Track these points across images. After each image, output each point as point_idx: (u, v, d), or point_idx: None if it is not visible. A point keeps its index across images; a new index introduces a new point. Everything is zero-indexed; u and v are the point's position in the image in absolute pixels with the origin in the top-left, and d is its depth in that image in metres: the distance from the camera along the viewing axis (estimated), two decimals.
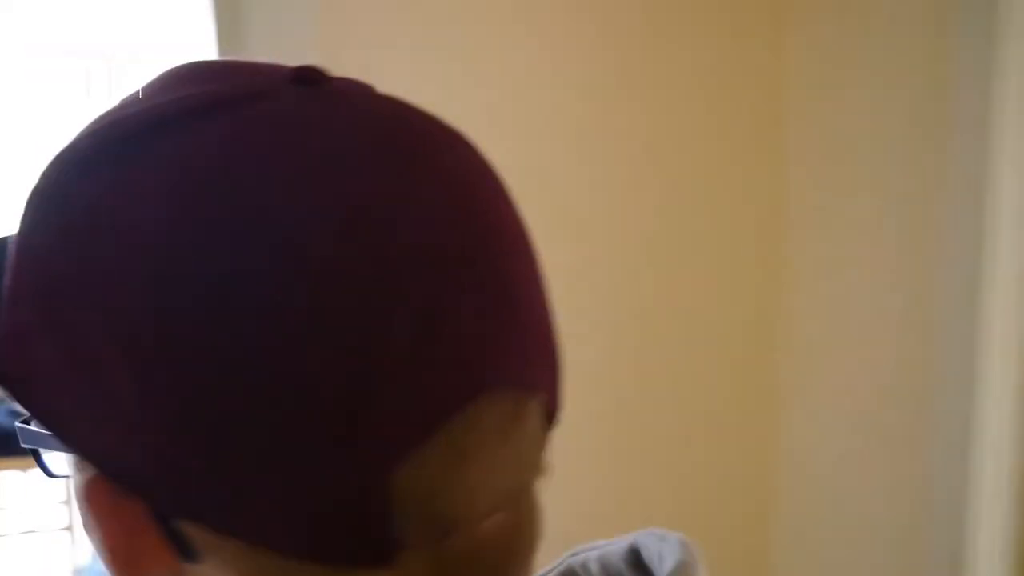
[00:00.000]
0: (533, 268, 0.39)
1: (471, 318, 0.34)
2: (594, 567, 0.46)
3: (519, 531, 0.40)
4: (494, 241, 0.36)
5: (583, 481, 1.65)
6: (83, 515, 0.38)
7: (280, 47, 1.47)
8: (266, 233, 0.32)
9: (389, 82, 0.42)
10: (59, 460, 0.39)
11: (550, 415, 0.40)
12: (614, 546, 0.47)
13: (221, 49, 1.51)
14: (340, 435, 0.33)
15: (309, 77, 0.37)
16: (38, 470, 0.43)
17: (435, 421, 0.34)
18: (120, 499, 0.36)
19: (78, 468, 0.37)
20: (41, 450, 0.39)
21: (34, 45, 4.38)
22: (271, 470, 0.33)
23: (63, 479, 0.41)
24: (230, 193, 0.33)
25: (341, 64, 0.43)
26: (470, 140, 0.39)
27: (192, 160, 0.34)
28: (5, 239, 0.40)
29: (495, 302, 0.35)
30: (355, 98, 0.37)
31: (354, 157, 0.34)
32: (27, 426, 0.38)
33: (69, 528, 3.56)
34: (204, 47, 1.54)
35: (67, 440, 0.36)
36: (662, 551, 0.45)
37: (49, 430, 0.37)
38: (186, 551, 0.36)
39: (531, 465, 0.39)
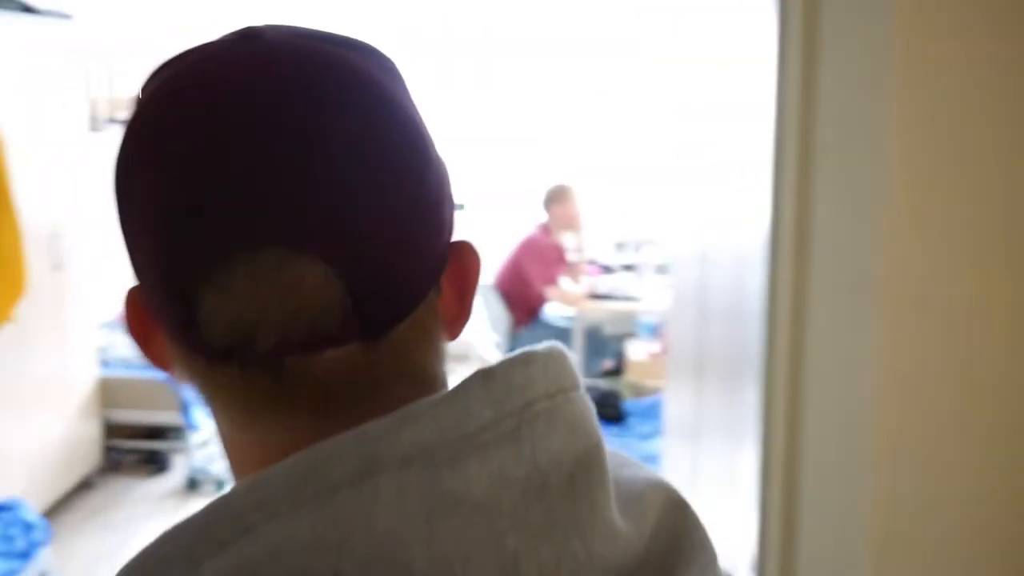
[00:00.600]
0: (341, 164, 0.51)
1: (254, 189, 0.50)
2: None
3: (359, 369, 0.54)
4: (300, 157, 0.51)
5: None
6: (123, 315, 0.59)
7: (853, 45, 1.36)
8: (151, 134, 0.53)
9: None
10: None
11: (344, 276, 0.52)
12: None
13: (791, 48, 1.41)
14: (156, 259, 0.53)
15: (247, 34, 0.56)
16: None
17: (211, 262, 0.51)
18: (137, 298, 0.58)
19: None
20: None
21: None
22: (144, 270, 0.55)
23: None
24: (156, 111, 0.54)
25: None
26: (343, 78, 0.54)
27: (152, 87, 0.56)
28: None
29: (275, 182, 0.50)
30: (265, 47, 0.55)
31: (218, 86, 0.52)
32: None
33: None
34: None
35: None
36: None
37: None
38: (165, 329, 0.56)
39: (307, 311, 0.51)
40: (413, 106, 0.58)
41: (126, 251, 0.56)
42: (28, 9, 4.05)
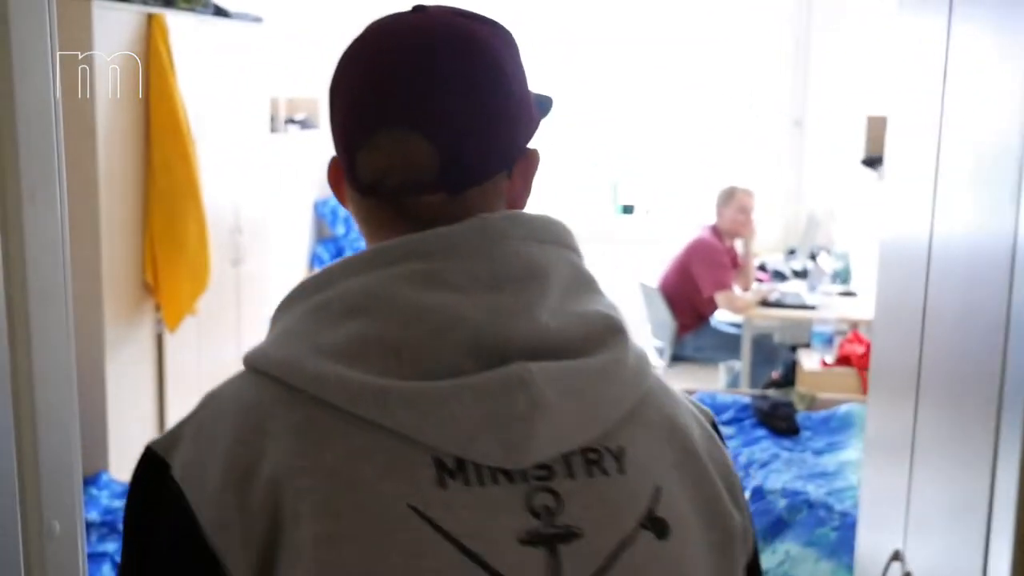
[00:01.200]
0: (465, 98, 0.86)
1: (395, 93, 0.85)
2: None
3: (443, 212, 0.86)
4: (426, 79, 0.85)
5: None
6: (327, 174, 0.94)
7: None
8: (347, 58, 0.90)
9: None
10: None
11: (439, 152, 0.85)
12: None
13: None
14: (341, 130, 0.89)
15: (418, 7, 0.91)
16: None
17: (366, 133, 0.86)
18: (334, 161, 0.92)
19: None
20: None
21: None
22: (336, 139, 0.90)
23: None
24: (353, 46, 0.90)
25: None
26: (480, 42, 0.88)
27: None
28: None
29: (407, 90, 0.85)
30: (425, 15, 0.89)
31: (388, 34, 0.88)
32: None
33: None
34: None
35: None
36: None
37: None
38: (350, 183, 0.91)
39: (415, 169, 0.86)
40: (513, 63, 0.91)
41: (331, 129, 0.91)
42: (221, 12, 4.22)
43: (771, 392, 4.22)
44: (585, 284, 0.88)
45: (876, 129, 3.99)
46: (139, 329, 3.73)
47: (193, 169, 3.67)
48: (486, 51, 0.88)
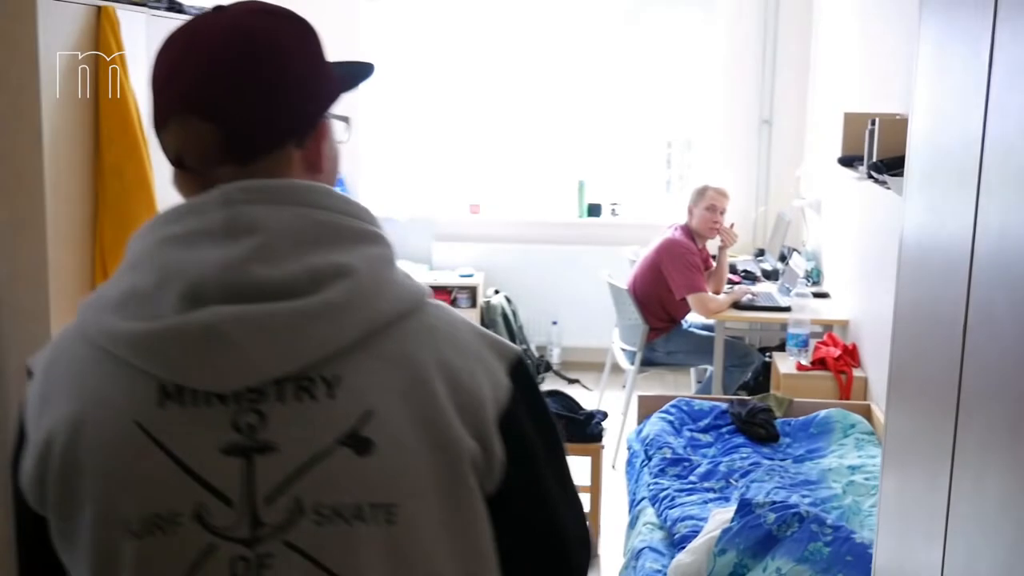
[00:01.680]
0: (248, 78, 1.01)
1: (181, 83, 1.02)
2: None
3: (237, 178, 1.01)
4: (204, 70, 1.01)
5: None
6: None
7: None
8: (155, 55, 1.06)
9: None
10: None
11: (222, 131, 1.02)
12: None
13: None
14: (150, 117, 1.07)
15: (217, 8, 1.06)
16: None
17: (162, 120, 1.04)
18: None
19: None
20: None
21: None
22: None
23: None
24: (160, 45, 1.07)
25: None
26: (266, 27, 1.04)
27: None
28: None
29: (191, 80, 1.01)
30: (219, 15, 1.05)
31: (180, 33, 1.05)
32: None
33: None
34: None
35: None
36: None
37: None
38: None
39: (205, 146, 1.02)
40: (298, 49, 1.05)
41: None
42: (175, 7, 4.03)
43: (753, 398, 4.11)
44: (325, 238, 0.99)
45: (854, 126, 3.90)
46: None
47: (147, 173, 3.47)
48: (264, 40, 1.02)
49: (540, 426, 1.08)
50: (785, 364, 4.51)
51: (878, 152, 3.34)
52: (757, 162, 6.42)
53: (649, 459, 3.62)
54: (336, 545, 0.95)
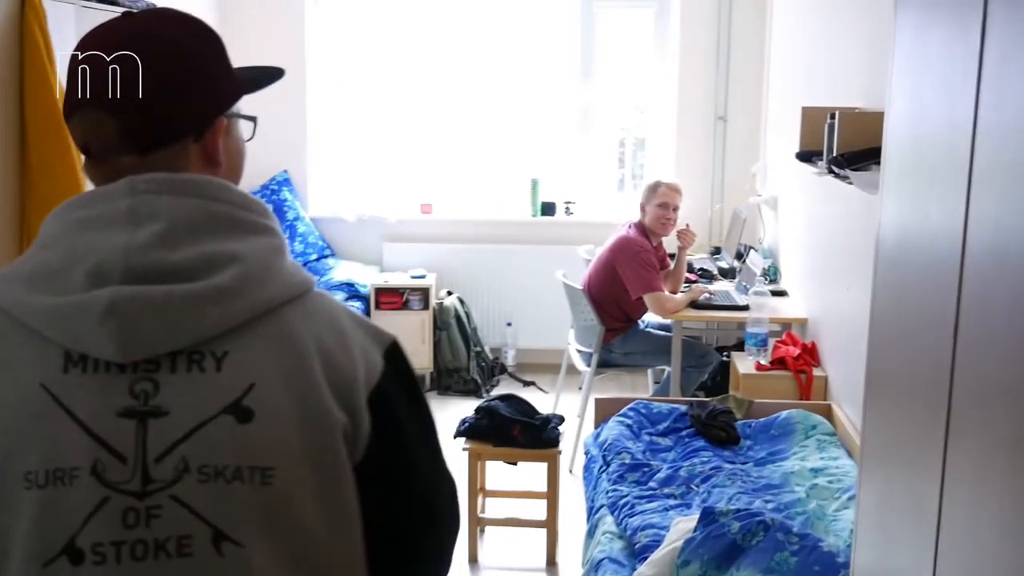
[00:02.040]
0: (147, 69, 1.12)
1: (86, 80, 1.13)
2: None
3: (138, 168, 1.13)
4: (105, 69, 1.12)
5: None
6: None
7: None
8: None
9: None
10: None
11: (121, 124, 1.13)
12: None
13: None
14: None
15: (126, 14, 1.19)
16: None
17: (69, 113, 1.16)
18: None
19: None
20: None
21: None
22: None
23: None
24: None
25: None
26: (167, 32, 1.17)
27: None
28: None
29: (96, 77, 1.12)
30: (127, 20, 1.17)
31: (91, 36, 1.16)
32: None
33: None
34: None
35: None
36: None
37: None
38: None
39: (106, 137, 1.14)
40: (199, 52, 1.18)
41: None
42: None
43: (711, 400, 4.01)
44: (221, 228, 1.11)
45: (812, 121, 3.82)
46: None
47: (77, 172, 3.29)
48: (164, 43, 1.14)
49: (412, 405, 1.20)
50: (744, 364, 4.42)
51: (839, 146, 3.25)
52: (712, 159, 6.34)
53: (607, 465, 3.50)
54: (217, 501, 1.06)
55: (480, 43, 6.49)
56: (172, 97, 1.13)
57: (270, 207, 1.18)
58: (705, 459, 3.52)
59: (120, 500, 1.05)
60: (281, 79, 1.29)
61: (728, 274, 5.53)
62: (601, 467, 3.55)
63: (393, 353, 1.18)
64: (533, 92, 6.54)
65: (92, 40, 1.15)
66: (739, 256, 5.73)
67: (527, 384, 6.27)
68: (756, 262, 5.08)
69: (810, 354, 4.39)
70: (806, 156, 3.78)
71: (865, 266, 3.90)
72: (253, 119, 1.26)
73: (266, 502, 1.07)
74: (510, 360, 6.46)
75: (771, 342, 4.47)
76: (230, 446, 1.06)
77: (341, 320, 1.16)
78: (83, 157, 1.18)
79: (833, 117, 3.34)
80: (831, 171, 3.24)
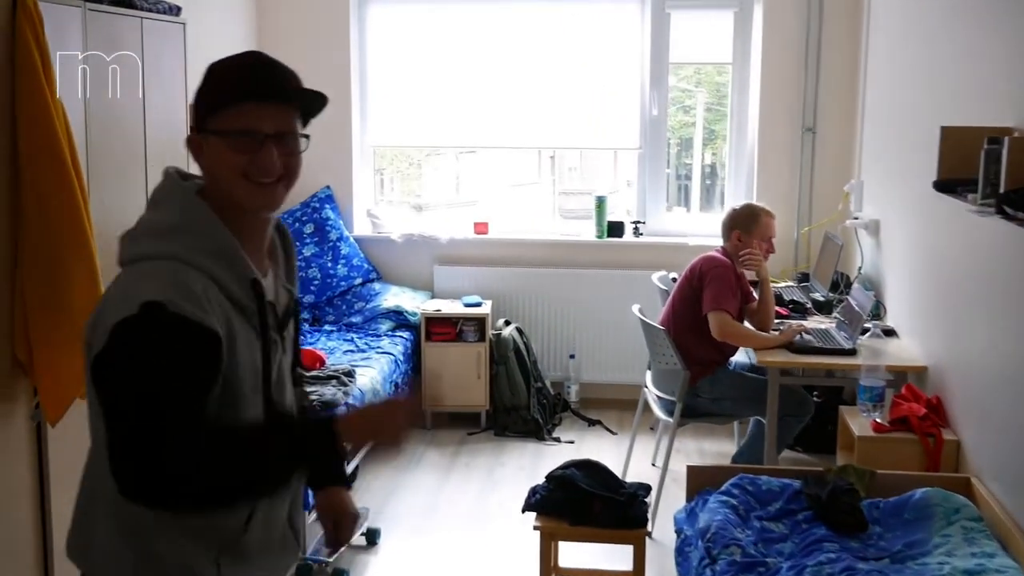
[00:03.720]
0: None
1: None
2: None
3: None
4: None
5: None
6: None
7: None
8: None
9: None
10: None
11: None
12: None
13: None
14: None
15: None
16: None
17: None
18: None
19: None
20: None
21: None
22: None
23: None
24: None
25: None
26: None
27: None
28: None
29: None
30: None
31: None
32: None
33: None
34: None
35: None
36: None
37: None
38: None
39: None
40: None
41: None
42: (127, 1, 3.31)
43: (825, 471, 3.39)
44: (152, 202, 1.67)
45: (958, 144, 3.18)
46: (10, 419, 2.82)
47: (77, 203, 2.75)
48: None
49: (118, 373, 1.49)
50: (857, 423, 3.79)
51: (1007, 180, 2.63)
52: (800, 174, 5.70)
53: (713, 561, 2.90)
54: None
55: (541, 49, 5.90)
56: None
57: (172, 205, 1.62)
58: (833, 554, 2.89)
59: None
60: (325, 107, 1.66)
61: (823, 308, 4.89)
62: (704, 560, 2.94)
63: (120, 328, 1.49)
64: (597, 102, 5.94)
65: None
66: (835, 287, 5.09)
67: (592, 423, 5.68)
68: (860, 297, 4.43)
69: (935, 412, 3.75)
70: (947, 186, 3.15)
71: (1008, 306, 3.29)
72: (224, 133, 1.57)
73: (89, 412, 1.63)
74: (573, 396, 5.88)
75: (888, 395, 3.84)
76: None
77: (112, 294, 1.59)
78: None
79: (997, 143, 2.71)
80: (1001, 211, 2.61)
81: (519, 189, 6.58)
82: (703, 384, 4.33)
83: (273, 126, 1.55)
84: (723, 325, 4.20)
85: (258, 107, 1.55)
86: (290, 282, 1.77)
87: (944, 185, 3.17)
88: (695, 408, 4.37)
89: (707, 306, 4.23)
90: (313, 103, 1.62)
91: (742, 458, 4.52)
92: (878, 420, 3.73)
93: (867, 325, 4.30)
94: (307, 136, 1.63)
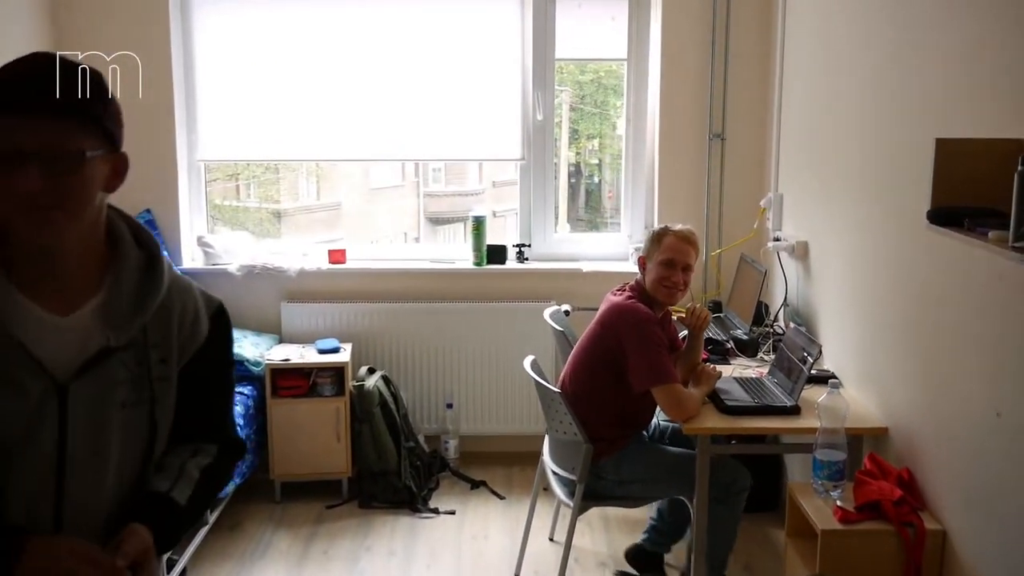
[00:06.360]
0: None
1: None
2: None
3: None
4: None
5: None
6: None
7: None
8: None
9: None
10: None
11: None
12: None
13: None
14: None
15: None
16: None
17: None
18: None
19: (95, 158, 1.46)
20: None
21: None
22: None
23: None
24: None
25: None
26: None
27: None
28: None
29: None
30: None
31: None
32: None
33: None
34: None
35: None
36: None
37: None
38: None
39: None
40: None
41: None
42: None
43: None
44: None
45: (948, 157, 2.42)
46: None
47: None
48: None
49: None
50: (813, 506, 3.00)
51: None
52: (708, 185, 4.94)
53: None
54: None
55: (406, 47, 4.97)
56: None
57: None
58: None
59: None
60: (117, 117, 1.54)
61: (747, 347, 4.12)
62: None
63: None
64: (471, 105, 5.05)
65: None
66: (758, 321, 4.33)
67: (476, 485, 4.80)
68: (797, 339, 3.66)
69: (908, 490, 2.99)
70: (950, 216, 2.37)
71: (1003, 355, 2.57)
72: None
73: None
74: (452, 452, 4.98)
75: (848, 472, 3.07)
76: None
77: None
78: None
79: None
80: None
81: (381, 193, 5.74)
82: (607, 464, 3.47)
83: (35, 143, 1.38)
84: (680, 402, 3.31)
85: (21, 121, 1.39)
86: (123, 324, 1.54)
87: (945, 216, 2.38)
88: (599, 491, 3.50)
89: (645, 381, 3.34)
90: (108, 114, 1.48)
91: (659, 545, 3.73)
92: (840, 505, 2.95)
93: (833, 384, 3.46)
94: (84, 153, 1.43)
